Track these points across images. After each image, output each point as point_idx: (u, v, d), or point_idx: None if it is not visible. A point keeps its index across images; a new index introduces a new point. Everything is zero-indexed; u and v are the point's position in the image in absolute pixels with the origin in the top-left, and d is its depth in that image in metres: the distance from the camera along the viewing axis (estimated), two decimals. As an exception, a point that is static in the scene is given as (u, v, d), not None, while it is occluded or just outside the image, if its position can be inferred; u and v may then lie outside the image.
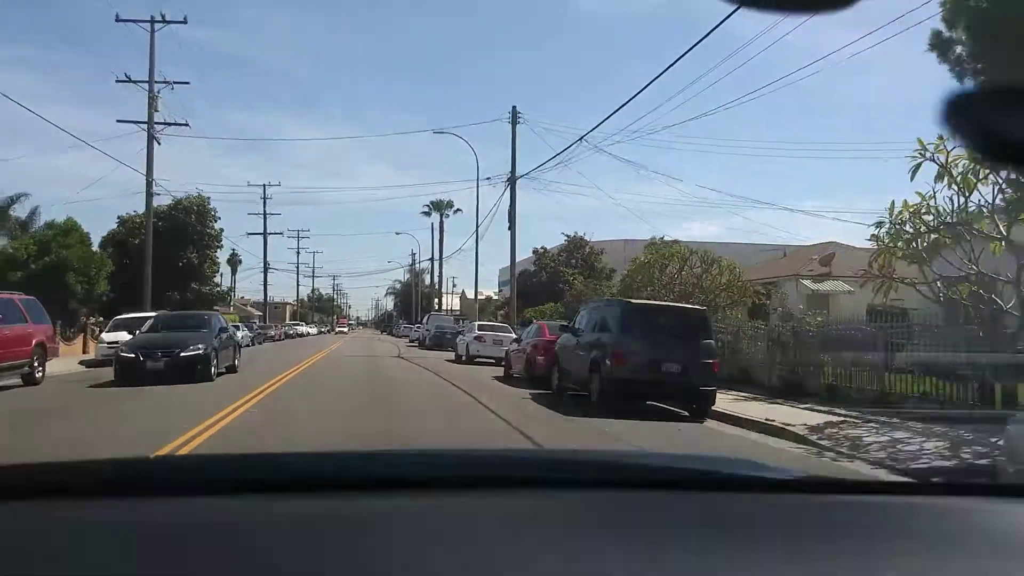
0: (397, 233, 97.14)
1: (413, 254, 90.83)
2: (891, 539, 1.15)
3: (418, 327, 54.56)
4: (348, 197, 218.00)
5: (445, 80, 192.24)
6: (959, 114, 1.02)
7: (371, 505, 1.26)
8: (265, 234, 66.78)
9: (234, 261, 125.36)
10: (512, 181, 29.31)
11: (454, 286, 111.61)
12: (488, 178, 32.15)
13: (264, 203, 66.32)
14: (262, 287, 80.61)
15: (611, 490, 1.42)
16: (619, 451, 4.75)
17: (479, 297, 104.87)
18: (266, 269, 68.16)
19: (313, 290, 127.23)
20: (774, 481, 1.48)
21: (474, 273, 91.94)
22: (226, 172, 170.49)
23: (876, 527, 1.21)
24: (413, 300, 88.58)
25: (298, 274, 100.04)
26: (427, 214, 75.66)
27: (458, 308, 79.02)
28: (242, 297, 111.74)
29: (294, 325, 75.38)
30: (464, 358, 25.86)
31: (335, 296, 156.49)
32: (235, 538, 1.09)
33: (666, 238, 50.86)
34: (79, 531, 1.10)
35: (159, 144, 31.93)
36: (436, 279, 70.79)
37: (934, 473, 6.61)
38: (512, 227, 29.62)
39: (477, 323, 29.34)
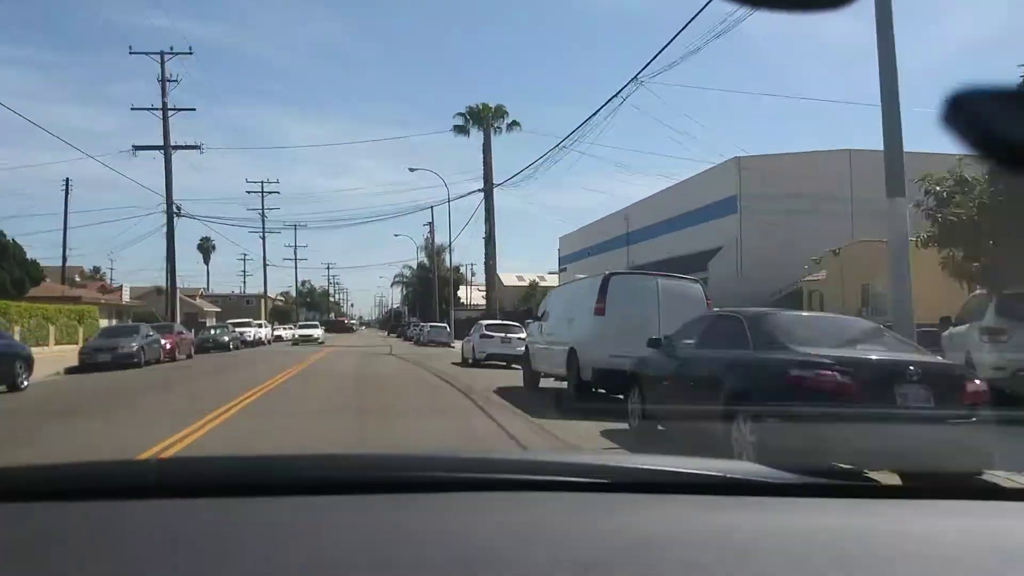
0: (412, 169, 56.25)
1: (432, 221, 58.93)
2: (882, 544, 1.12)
3: (498, 329, 22.44)
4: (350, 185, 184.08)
5: None
6: (960, 114, 0.97)
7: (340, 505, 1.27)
8: (167, 148, 34.74)
9: (206, 247, 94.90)
10: None
11: (473, 274, 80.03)
12: None
13: (163, 85, 34.39)
14: (262, 282, 49.67)
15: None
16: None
17: (521, 283, 73.12)
18: (171, 217, 35.80)
19: (297, 281, 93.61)
20: (768, 484, 1.39)
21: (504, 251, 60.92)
22: (221, 164, 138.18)
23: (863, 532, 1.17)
24: (435, 284, 56.77)
25: (264, 250, 67.80)
26: (461, 129, 43.63)
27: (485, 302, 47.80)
28: (203, 290, 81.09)
29: (234, 326, 43.12)
30: None
31: (331, 289, 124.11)
32: (207, 541, 1.09)
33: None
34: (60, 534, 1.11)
35: None
36: (489, 228, 38.62)
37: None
38: None
39: None
